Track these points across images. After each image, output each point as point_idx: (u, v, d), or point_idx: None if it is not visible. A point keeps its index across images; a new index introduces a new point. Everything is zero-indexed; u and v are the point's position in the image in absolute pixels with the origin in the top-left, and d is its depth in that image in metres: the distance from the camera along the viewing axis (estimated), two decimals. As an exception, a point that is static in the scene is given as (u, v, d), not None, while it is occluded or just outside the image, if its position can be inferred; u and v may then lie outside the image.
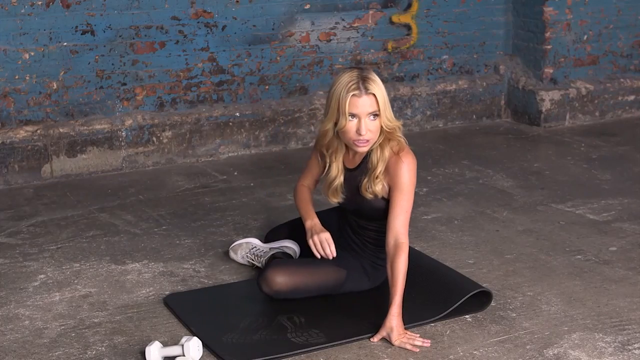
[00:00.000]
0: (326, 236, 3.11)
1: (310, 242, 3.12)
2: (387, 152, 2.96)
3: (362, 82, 2.88)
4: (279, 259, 3.24)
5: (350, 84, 2.88)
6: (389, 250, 2.90)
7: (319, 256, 3.11)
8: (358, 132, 2.89)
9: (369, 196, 3.00)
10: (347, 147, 3.05)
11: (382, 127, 2.93)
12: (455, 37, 5.82)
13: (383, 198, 3.00)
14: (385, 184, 2.98)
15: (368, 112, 2.89)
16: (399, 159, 2.94)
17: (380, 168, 2.96)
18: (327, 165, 3.11)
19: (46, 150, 4.74)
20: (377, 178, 2.97)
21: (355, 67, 3.05)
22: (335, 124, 2.95)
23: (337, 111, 2.91)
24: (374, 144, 2.96)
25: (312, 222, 3.18)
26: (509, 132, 5.71)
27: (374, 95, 2.89)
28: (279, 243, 3.41)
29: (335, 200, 3.11)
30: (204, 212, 4.19)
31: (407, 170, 2.94)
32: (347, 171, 3.08)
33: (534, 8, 5.76)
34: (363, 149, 2.95)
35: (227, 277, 3.39)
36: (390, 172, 2.96)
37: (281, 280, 3.01)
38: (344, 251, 3.18)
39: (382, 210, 3.01)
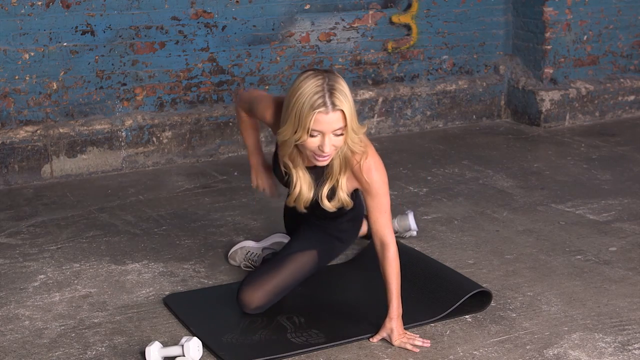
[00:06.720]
0: (269, 183, 3.15)
1: (254, 186, 3.19)
2: (350, 159, 2.75)
3: (330, 96, 2.56)
4: (247, 274, 3.12)
5: (316, 97, 2.56)
6: (377, 253, 2.84)
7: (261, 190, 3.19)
8: (320, 148, 2.64)
9: (328, 206, 2.84)
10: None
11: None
12: (455, 37, 5.82)
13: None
14: (348, 188, 2.83)
15: (333, 129, 2.61)
16: (365, 161, 2.75)
17: (343, 177, 2.78)
18: (289, 176, 2.87)
19: (46, 151, 4.74)
20: (340, 188, 2.79)
21: (320, 71, 2.65)
22: (295, 131, 2.65)
23: (297, 125, 2.62)
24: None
25: (256, 160, 3.17)
26: (509, 132, 5.70)
27: (341, 111, 2.60)
28: (271, 239, 3.41)
29: (304, 207, 2.90)
30: (204, 212, 4.19)
31: (376, 172, 2.77)
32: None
33: (534, 8, 5.75)
34: (323, 163, 2.71)
35: (227, 277, 3.39)
36: (359, 177, 2.78)
37: (255, 298, 2.97)
38: (305, 229, 3.07)
39: (339, 210, 2.89)
